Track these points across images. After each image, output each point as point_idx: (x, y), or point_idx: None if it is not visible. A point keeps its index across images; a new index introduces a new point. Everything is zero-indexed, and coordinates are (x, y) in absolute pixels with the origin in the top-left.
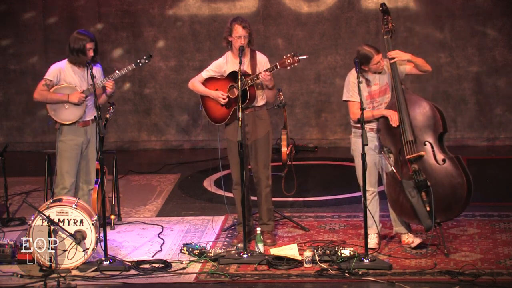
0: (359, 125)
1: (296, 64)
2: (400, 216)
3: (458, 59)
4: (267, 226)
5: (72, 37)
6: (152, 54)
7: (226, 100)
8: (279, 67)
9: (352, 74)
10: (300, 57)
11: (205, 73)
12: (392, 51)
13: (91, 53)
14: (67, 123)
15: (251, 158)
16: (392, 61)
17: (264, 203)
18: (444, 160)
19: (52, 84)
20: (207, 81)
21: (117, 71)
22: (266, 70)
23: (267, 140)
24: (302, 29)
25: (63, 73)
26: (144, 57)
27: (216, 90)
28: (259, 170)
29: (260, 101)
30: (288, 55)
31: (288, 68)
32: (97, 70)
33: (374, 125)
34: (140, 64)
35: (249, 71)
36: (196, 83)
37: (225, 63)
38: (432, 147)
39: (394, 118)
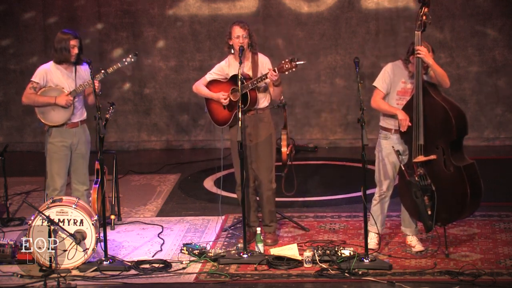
0: (385, 127)
1: (294, 69)
2: (406, 211)
3: (458, 59)
4: (269, 227)
5: (56, 37)
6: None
7: (228, 100)
8: (277, 72)
9: (389, 66)
10: (298, 62)
11: (209, 76)
12: (421, 47)
13: (75, 50)
14: (55, 125)
15: (253, 160)
16: (417, 55)
17: (265, 205)
18: (452, 168)
19: (39, 86)
20: (210, 84)
21: (102, 71)
22: (274, 70)
23: (269, 143)
24: (302, 29)
25: (49, 74)
26: (130, 56)
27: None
28: (260, 173)
29: (262, 103)
30: (286, 60)
31: (286, 73)
32: (85, 71)
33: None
34: (126, 63)
35: (250, 74)
36: (199, 86)
37: (228, 66)
38: (443, 153)
39: (403, 124)
